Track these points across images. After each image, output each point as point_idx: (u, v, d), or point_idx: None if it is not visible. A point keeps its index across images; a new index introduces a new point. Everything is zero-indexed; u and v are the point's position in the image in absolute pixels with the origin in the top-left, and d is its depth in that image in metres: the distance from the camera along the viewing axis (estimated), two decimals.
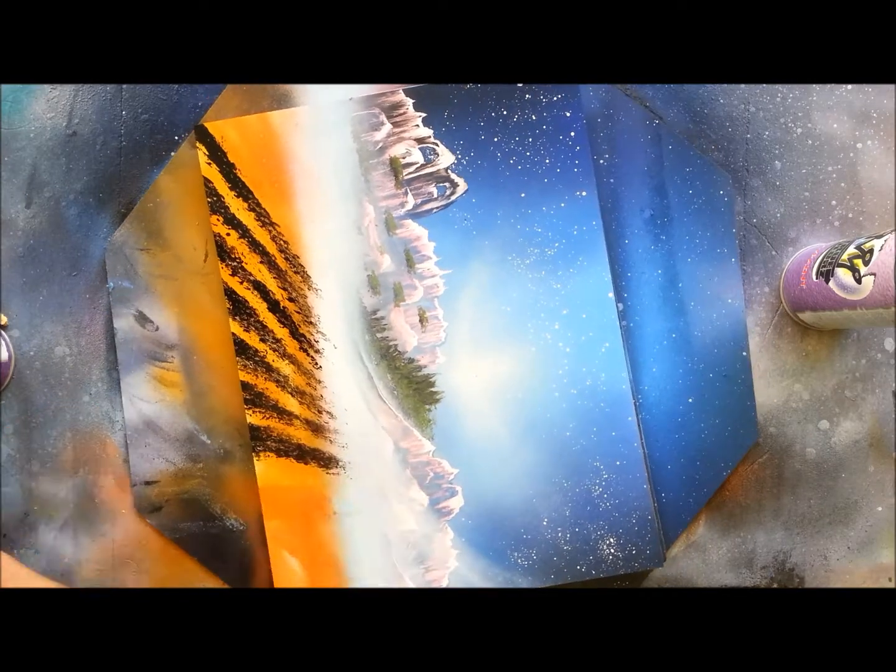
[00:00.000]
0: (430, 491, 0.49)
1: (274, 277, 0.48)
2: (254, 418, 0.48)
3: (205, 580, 0.49)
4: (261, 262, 0.48)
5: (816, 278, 0.47)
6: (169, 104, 0.49)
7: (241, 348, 0.48)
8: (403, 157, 0.48)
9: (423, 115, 0.48)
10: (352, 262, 0.48)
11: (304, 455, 0.48)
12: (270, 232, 0.48)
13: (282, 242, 0.48)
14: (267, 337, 0.48)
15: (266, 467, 0.48)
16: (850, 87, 0.51)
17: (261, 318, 0.48)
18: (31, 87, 0.48)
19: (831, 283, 0.45)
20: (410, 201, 0.48)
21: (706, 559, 0.51)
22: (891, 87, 0.51)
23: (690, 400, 0.50)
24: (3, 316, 0.48)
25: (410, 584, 0.48)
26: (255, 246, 0.48)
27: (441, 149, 0.48)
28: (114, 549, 0.48)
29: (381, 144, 0.48)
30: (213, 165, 0.47)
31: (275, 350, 0.48)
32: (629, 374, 0.49)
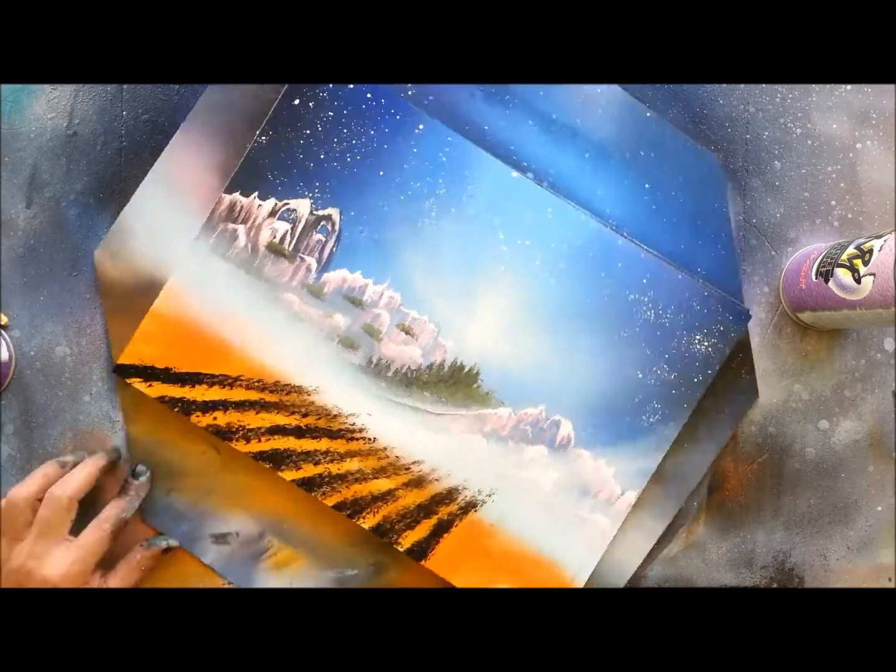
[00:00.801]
0: (540, 439, 0.48)
1: (277, 413, 0.47)
2: (369, 521, 0.48)
3: (206, 580, 0.49)
4: (257, 414, 0.47)
5: (816, 278, 0.47)
6: (169, 104, 0.49)
7: (308, 484, 0.47)
8: (274, 237, 0.47)
9: (255, 192, 0.47)
10: (317, 344, 0.47)
11: (430, 509, 0.48)
12: (241, 385, 0.47)
13: (256, 384, 0.47)
14: (317, 458, 0.47)
15: (439, 555, 0.48)
16: (849, 87, 0.51)
17: (298, 450, 0.47)
18: (31, 88, 0.48)
19: (831, 284, 0.45)
20: (312, 261, 0.47)
21: (706, 559, 0.52)
22: (891, 87, 0.51)
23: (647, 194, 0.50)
24: (3, 316, 0.48)
25: (595, 517, 0.49)
26: (240, 406, 0.47)
27: (293, 203, 0.47)
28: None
29: (249, 245, 0.47)
30: (154, 384, 0.47)
31: (332, 461, 0.47)
32: (588, 215, 0.48)
